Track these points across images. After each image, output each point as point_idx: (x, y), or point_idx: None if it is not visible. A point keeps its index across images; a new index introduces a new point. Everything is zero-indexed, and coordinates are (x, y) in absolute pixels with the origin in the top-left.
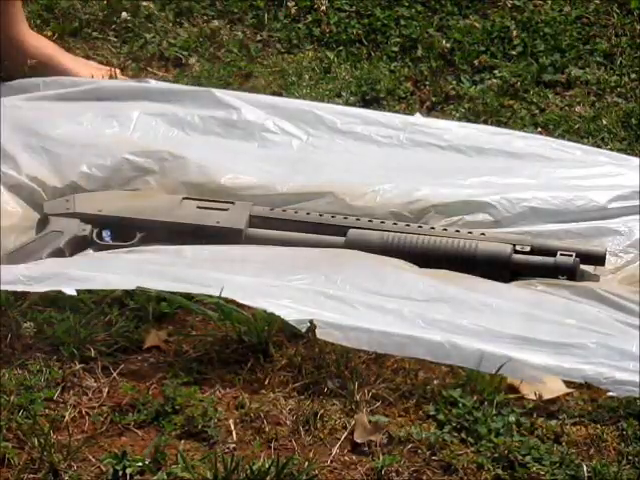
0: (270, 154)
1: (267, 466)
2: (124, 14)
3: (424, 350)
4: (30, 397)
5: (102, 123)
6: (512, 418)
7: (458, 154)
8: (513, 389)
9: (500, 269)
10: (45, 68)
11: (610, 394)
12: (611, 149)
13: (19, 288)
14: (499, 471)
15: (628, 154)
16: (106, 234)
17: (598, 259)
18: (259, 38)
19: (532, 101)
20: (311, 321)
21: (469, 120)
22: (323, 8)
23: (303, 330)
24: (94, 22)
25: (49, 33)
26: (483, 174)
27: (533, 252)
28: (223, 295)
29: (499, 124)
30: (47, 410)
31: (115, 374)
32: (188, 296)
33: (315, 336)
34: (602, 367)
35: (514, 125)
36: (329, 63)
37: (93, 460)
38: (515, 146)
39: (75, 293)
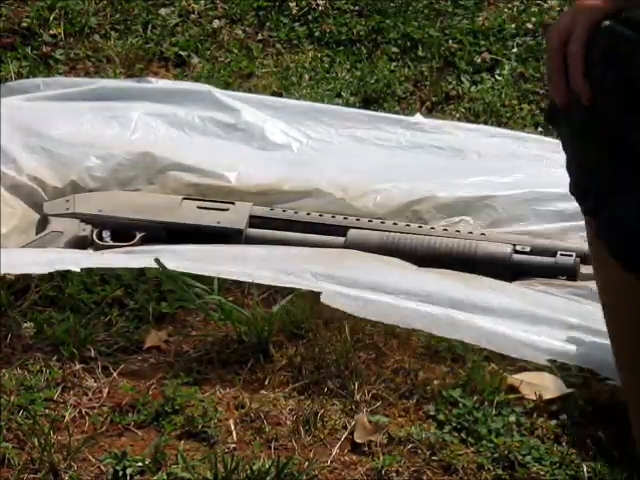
0: (270, 155)
1: (267, 466)
2: None
3: (427, 323)
4: (30, 397)
5: (102, 123)
6: (512, 418)
7: (458, 154)
8: (513, 389)
9: (500, 269)
10: None
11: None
12: None
13: (23, 270)
14: (499, 471)
15: None
16: (106, 234)
17: None
18: (259, 38)
19: (532, 100)
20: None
21: (469, 120)
22: (323, 8)
23: None
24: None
25: (52, 32)
26: (483, 174)
27: (533, 252)
28: (224, 276)
29: (499, 124)
30: (47, 410)
31: (115, 374)
32: (188, 284)
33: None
34: (603, 363)
35: (514, 125)
36: (329, 63)
37: (93, 460)
38: (515, 146)
39: (78, 270)
